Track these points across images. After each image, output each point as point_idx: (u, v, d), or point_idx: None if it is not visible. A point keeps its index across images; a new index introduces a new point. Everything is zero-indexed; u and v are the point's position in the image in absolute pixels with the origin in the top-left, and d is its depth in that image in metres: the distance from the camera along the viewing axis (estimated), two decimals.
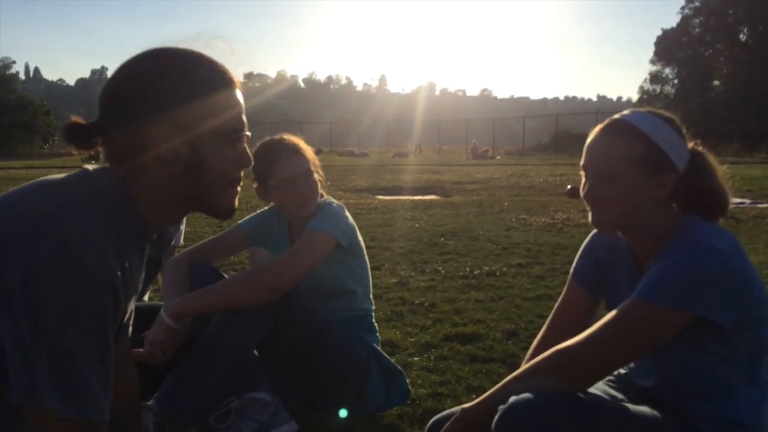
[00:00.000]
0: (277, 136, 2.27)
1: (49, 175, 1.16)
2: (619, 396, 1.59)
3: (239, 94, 1.21)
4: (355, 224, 2.28)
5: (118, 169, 1.16)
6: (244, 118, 1.21)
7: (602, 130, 1.50)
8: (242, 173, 1.24)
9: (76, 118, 1.18)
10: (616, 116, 1.52)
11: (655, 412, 1.43)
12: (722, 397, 1.43)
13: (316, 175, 2.24)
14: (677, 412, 1.46)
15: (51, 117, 44.75)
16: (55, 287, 0.97)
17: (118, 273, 1.05)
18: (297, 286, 2.06)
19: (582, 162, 1.52)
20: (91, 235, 1.04)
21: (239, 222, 2.41)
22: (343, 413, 2.15)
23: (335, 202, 2.28)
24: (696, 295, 1.34)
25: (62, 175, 1.15)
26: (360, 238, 2.32)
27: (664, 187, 1.46)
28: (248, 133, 1.23)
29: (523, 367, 1.49)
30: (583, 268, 1.72)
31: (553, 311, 1.77)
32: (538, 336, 1.76)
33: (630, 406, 1.44)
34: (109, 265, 1.03)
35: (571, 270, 1.75)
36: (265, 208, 2.40)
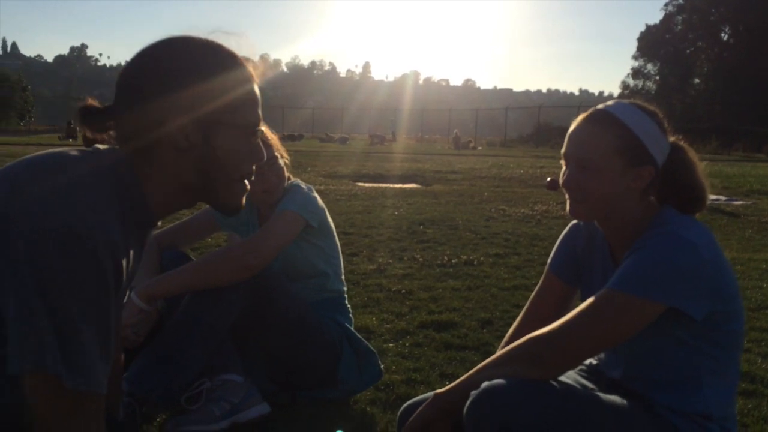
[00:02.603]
0: None
1: (62, 149, 1.14)
2: (590, 385, 1.60)
3: (257, 89, 1.19)
4: (324, 206, 2.27)
5: (129, 152, 1.13)
6: (260, 112, 1.20)
7: (585, 119, 1.50)
8: (254, 168, 1.21)
9: (91, 101, 1.16)
10: (600, 106, 1.52)
11: (624, 401, 1.44)
12: (691, 389, 1.45)
13: (280, 160, 2.22)
14: (646, 403, 1.47)
15: (28, 93, 44.00)
16: (60, 257, 0.96)
17: (123, 248, 1.05)
18: (269, 267, 2.04)
19: (563, 150, 1.52)
20: (98, 210, 1.02)
21: (207, 206, 2.38)
22: None
23: (303, 184, 2.27)
24: (669, 287, 1.35)
25: (74, 151, 1.12)
26: (330, 219, 2.31)
27: (642, 179, 1.46)
28: (263, 128, 1.21)
29: (497, 353, 1.50)
30: (560, 258, 1.72)
31: (529, 300, 1.78)
32: (514, 324, 1.77)
33: (600, 394, 1.45)
34: (114, 239, 1.02)
35: (549, 260, 1.75)
36: None
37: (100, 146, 1.16)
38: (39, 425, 1.02)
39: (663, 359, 1.47)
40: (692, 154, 1.54)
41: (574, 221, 1.71)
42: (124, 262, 1.05)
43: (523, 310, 1.78)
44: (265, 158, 1.22)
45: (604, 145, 1.45)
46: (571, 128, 1.52)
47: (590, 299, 1.41)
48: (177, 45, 1.13)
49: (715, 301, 1.39)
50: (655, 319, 1.36)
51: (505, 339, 1.76)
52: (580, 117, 1.53)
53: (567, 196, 1.52)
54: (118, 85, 1.13)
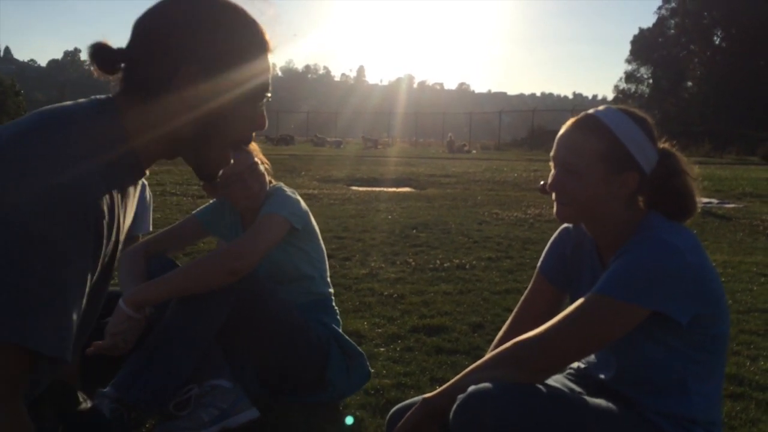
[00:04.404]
0: None
1: (53, 106, 1.12)
2: (578, 389, 1.61)
3: (270, 57, 1.20)
4: (308, 209, 2.28)
5: (131, 99, 1.13)
6: (270, 79, 1.21)
7: (573, 124, 1.52)
8: (252, 135, 1.22)
9: (104, 40, 1.15)
10: (590, 111, 1.54)
11: (610, 405, 1.44)
12: (677, 393, 1.45)
13: (261, 166, 2.24)
14: (633, 406, 1.48)
15: (21, 98, 43.85)
16: (38, 218, 0.94)
17: (105, 210, 1.03)
18: (255, 272, 2.05)
19: (552, 153, 1.54)
20: (80, 168, 1.00)
21: (193, 212, 2.42)
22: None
23: (286, 187, 2.28)
24: (654, 291, 1.35)
25: (71, 104, 1.12)
26: (314, 222, 2.32)
27: (627, 186, 1.47)
28: (269, 95, 1.22)
29: (485, 357, 1.50)
30: (550, 262, 1.73)
31: (518, 304, 1.79)
32: (503, 328, 1.78)
33: (587, 398, 1.45)
34: (96, 196, 1.01)
35: (538, 264, 1.76)
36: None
37: (100, 96, 1.14)
38: None
39: (651, 362, 1.47)
40: (683, 160, 1.54)
41: (564, 225, 1.72)
42: (106, 219, 1.03)
43: (513, 314, 1.79)
44: (266, 127, 1.22)
45: (588, 151, 1.46)
46: (560, 132, 1.54)
47: (576, 303, 1.42)
48: (207, 6, 1.14)
49: (700, 304, 1.40)
50: (640, 322, 1.37)
51: (495, 342, 1.77)
52: (570, 121, 1.54)
53: (554, 198, 1.54)
54: (135, 29, 1.13)
